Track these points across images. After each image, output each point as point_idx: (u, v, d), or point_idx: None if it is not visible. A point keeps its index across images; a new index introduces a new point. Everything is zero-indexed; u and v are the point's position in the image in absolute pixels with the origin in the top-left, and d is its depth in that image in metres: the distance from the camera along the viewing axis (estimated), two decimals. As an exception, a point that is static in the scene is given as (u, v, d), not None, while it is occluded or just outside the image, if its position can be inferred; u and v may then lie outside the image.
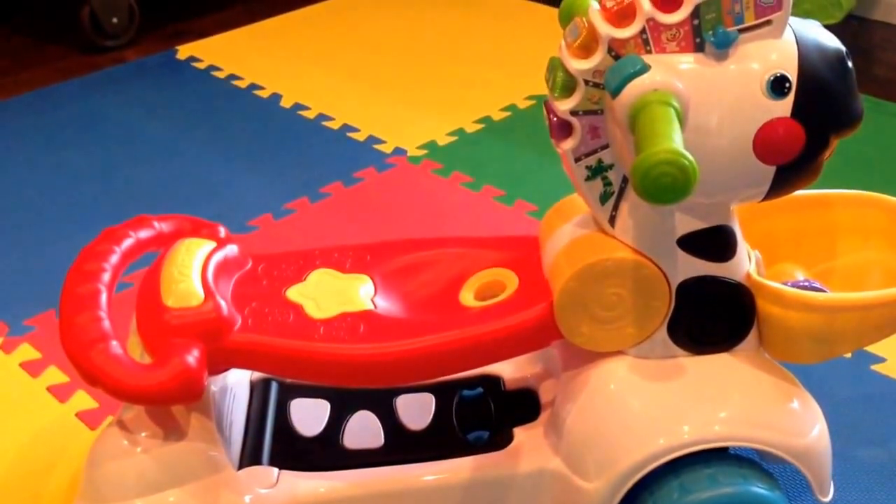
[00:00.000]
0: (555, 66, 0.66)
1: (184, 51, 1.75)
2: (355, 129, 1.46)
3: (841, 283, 0.75)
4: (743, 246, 0.70)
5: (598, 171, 0.67)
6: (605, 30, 0.63)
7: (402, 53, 1.73)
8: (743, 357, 0.70)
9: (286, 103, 1.55)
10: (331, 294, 0.71)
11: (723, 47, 0.63)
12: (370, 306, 0.71)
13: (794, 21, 0.65)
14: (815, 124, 0.64)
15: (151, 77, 1.67)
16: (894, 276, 0.76)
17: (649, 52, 0.63)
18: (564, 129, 0.66)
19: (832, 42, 0.65)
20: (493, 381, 0.83)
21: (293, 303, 0.71)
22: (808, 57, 0.64)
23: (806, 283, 0.72)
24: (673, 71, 0.62)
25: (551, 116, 0.67)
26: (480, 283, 0.75)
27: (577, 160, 0.67)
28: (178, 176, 1.35)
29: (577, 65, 0.64)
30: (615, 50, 0.63)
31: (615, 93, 0.61)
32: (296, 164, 1.38)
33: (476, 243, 0.78)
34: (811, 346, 0.69)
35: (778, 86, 0.63)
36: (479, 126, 1.46)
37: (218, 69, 1.68)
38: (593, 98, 0.65)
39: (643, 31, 0.63)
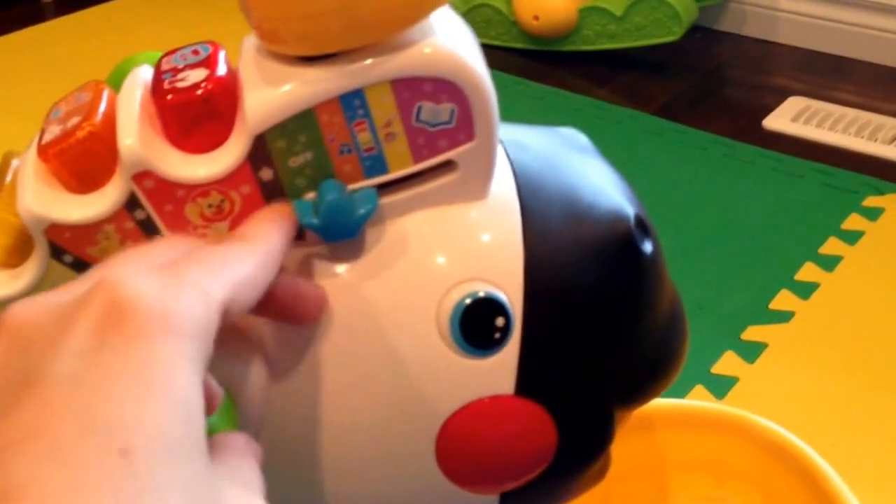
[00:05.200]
0: None
1: None
2: None
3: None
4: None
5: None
6: (32, 204, 0.24)
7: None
8: None
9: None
10: None
11: (340, 234, 0.25)
12: None
13: (520, 152, 0.28)
14: (572, 402, 0.27)
15: None
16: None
17: (161, 249, 0.25)
18: None
19: (609, 202, 0.28)
20: None
21: None
22: (546, 247, 0.26)
23: None
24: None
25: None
26: None
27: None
28: None
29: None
30: (70, 251, 0.25)
31: None
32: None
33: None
34: None
35: (477, 324, 0.25)
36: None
37: None
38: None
39: (133, 201, 0.25)
